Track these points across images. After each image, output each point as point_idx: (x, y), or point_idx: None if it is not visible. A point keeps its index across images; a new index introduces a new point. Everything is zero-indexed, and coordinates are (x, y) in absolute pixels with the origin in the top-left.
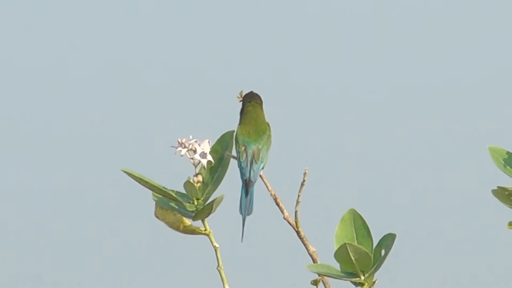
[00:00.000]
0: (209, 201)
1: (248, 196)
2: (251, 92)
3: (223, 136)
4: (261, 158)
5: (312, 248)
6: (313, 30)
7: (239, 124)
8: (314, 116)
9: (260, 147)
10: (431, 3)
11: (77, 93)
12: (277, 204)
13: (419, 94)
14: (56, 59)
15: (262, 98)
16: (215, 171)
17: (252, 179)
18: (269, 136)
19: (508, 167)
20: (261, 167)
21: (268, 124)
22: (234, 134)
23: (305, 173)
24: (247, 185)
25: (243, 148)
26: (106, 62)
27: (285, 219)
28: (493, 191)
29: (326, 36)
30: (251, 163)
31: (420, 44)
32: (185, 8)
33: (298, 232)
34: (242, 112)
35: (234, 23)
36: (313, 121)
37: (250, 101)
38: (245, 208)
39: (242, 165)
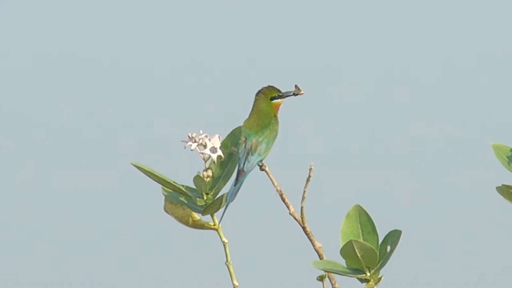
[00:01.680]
0: (218, 196)
1: (238, 185)
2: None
3: (233, 131)
4: (259, 150)
5: (318, 244)
6: (314, 30)
7: (248, 117)
8: (321, 112)
9: (260, 139)
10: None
11: (87, 88)
12: (283, 200)
13: (424, 92)
14: (62, 56)
15: (271, 89)
16: (225, 166)
17: (245, 169)
18: (273, 129)
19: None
20: (258, 159)
21: (274, 117)
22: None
23: (311, 168)
24: (238, 175)
25: (243, 139)
26: (116, 57)
27: (291, 214)
28: (498, 188)
29: (328, 35)
30: (247, 154)
31: (421, 42)
32: (195, 5)
33: (304, 228)
34: None
35: (244, 19)
36: (319, 117)
37: (257, 94)
38: (230, 195)
39: (240, 155)
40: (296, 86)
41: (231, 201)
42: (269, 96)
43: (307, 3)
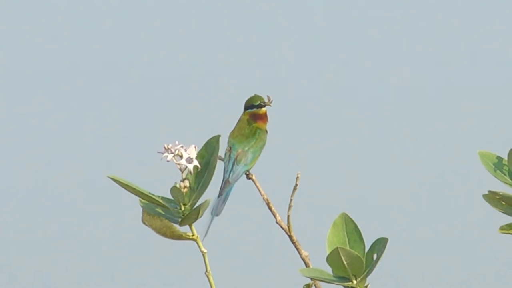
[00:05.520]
0: (196, 206)
1: (222, 197)
2: None
3: (209, 141)
4: (244, 160)
5: (304, 253)
6: (309, 32)
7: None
8: (307, 120)
9: (246, 149)
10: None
11: (65, 97)
12: (270, 209)
13: (411, 96)
14: (57, 61)
15: (249, 99)
16: (202, 176)
17: (230, 179)
18: (260, 139)
19: (498, 171)
20: (244, 169)
21: (258, 127)
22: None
23: (297, 177)
24: (223, 186)
25: (228, 149)
26: (94, 68)
27: (277, 223)
28: (484, 196)
29: (321, 37)
30: (233, 164)
31: (414, 45)
32: (176, 16)
33: (290, 237)
34: None
35: (226, 27)
36: (305, 125)
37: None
38: (215, 209)
39: (225, 165)
40: (267, 96)
41: (216, 214)
42: (245, 106)
43: (307, 4)
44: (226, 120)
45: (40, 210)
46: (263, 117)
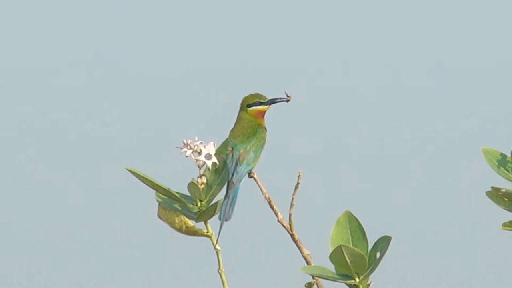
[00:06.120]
0: (212, 202)
1: (228, 200)
2: None
3: (228, 139)
4: (247, 160)
5: (306, 251)
6: (311, 29)
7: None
8: (308, 118)
9: (247, 148)
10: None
11: (83, 92)
12: (271, 207)
13: (413, 94)
14: (59, 61)
15: (249, 96)
16: (220, 173)
17: (234, 180)
18: (261, 138)
19: (501, 168)
20: (246, 169)
21: (259, 125)
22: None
23: (299, 175)
24: (228, 187)
25: (230, 149)
26: (112, 62)
27: (279, 222)
28: (487, 193)
29: (323, 35)
30: (236, 164)
31: (415, 44)
32: (176, 16)
33: (292, 235)
34: None
35: (240, 24)
36: (307, 124)
37: (241, 102)
38: (224, 212)
39: (228, 166)
40: (285, 92)
41: (226, 219)
42: (245, 103)
43: (305, 3)
44: (226, 119)
45: (41, 210)
46: (264, 115)
